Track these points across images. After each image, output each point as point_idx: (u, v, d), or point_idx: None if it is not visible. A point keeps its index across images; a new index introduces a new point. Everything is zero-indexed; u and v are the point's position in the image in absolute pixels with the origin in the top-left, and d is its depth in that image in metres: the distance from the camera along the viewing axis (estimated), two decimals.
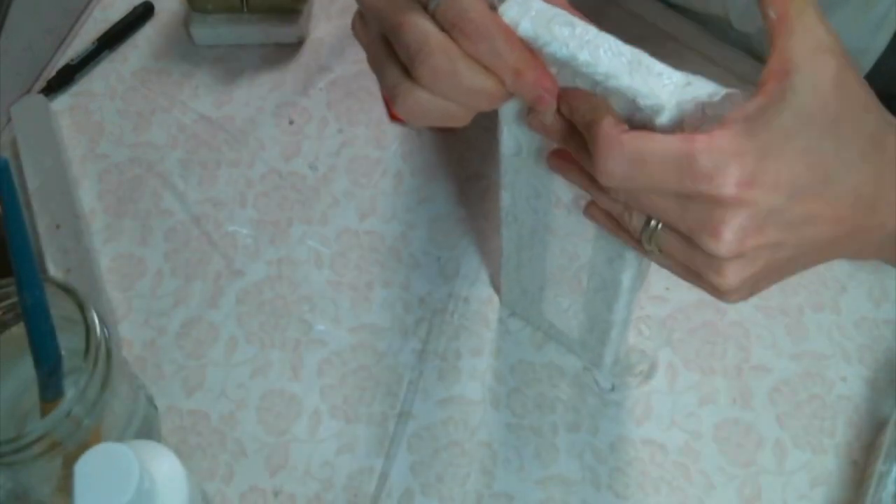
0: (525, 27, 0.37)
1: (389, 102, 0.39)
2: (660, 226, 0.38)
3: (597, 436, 0.56)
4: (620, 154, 0.35)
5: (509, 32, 0.36)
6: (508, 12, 0.37)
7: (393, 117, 0.65)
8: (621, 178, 0.35)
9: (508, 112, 0.42)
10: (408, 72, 0.37)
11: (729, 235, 0.35)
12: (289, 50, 0.73)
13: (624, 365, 0.57)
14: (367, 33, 0.39)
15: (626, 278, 0.46)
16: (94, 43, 0.73)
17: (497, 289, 0.60)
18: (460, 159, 0.66)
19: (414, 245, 0.63)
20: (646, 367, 0.57)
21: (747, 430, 0.55)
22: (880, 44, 0.58)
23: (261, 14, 0.72)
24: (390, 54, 0.38)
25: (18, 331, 0.49)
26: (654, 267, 0.59)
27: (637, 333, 0.58)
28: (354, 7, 0.40)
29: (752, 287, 0.38)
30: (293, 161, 0.67)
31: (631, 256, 0.44)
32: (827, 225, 0.37)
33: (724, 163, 0.34)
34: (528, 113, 0.40)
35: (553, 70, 0.38)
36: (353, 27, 0.40)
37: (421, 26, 0.36)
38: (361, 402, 0.58)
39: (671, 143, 0.35)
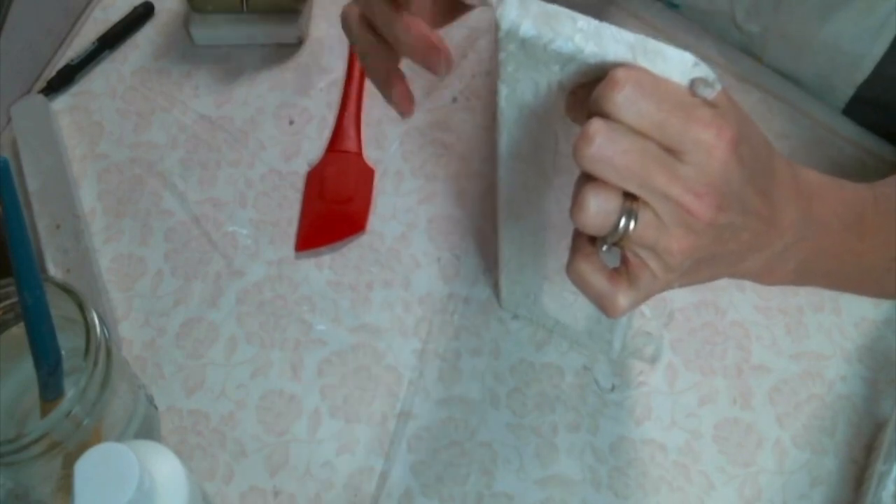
0: (526, 28, 0.36)
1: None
2: (632, 224, 0.37)
3: (597, 436, 0.56)
4: (637, 82, 0.35)
5: None
6: (508, 15, 0.37)
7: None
8: (632, 105, 0.35)
9: (508, 114, 0.42)
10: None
11: (713, 200, 0.36)
12: (289, 50, 0.73)
13: (630, 349, 0.57)
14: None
15: None
16: (94, 43, 0.73)
17: (497, 292, 0.60)
18: (460, 159, 0.66)
19: (414, 245, 0.63)
20: (652, 350, 0.57)
21: (747, 430, 0.55)
22: (879, 50, 0.58)
23: (261, 14, 0.71)
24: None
25: (18, 331, 0.49)
26: None
27: (639, 315, 0.58)
28: None
29: (686, 273, 0.39)
30: (293, 161, 0.67)
31: None
32: (763, 224, 0.39)
33: (722, 116, 0.35)
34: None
35: (556, 68, 0.37)
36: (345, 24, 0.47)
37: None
38: (361, 402, 0.58)
39: (678, 86, 0.36)
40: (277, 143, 0.68)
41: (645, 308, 0.59)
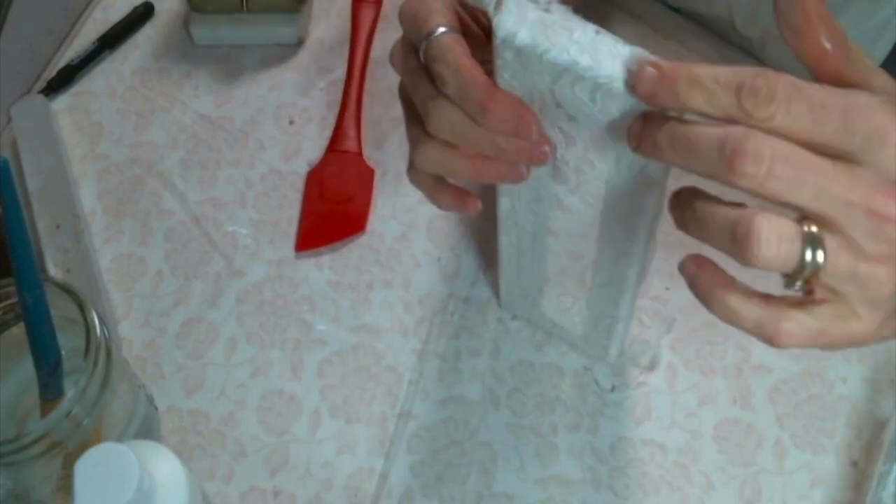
0: (522, 36, 0.36)
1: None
2: (820, 253, 0.31)
3: (597, 436, 0.56)
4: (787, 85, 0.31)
5: (474, 70, 0.38)
6: (505, 23, 0.37)
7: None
8: (786, 111, 0.31)
9: None
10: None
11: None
12: (289, 50, 0.73)
13: (628, 356, 0.57)
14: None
15: (633, 272, 0.46)
16: (94, 43, 0.73)
17: (497, 292, 0.60)
18: None
19: (414, 245, 0.63)
20: (649, 358, 0.57)
21: (747, 430, 0.55)
22: (882, 51, 0.58)
23: (261, 14, 0.71)
24: (416, 113, 0.41)
25: (18, 331, 0.49)
26: (654, 267, 0.59)
27: (638, 324, 0.58)
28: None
29: (893, 306, 0.32)
30: (293, 161, 0.67)
31: (637, 252, 0.44)
32: None
33: (883, 100, 0.31)
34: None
35: (547, 80, 0.37)
36: (392, 58, 0.43)
37: (424, 90, 0.40)
38: (361, 402, 0.58)
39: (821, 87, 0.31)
40: (277, 143, 0.68)
41: (644, 315, 0.59)
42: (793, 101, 0.30)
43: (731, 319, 0.33)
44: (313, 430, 0.57)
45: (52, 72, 0.72)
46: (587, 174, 0.42)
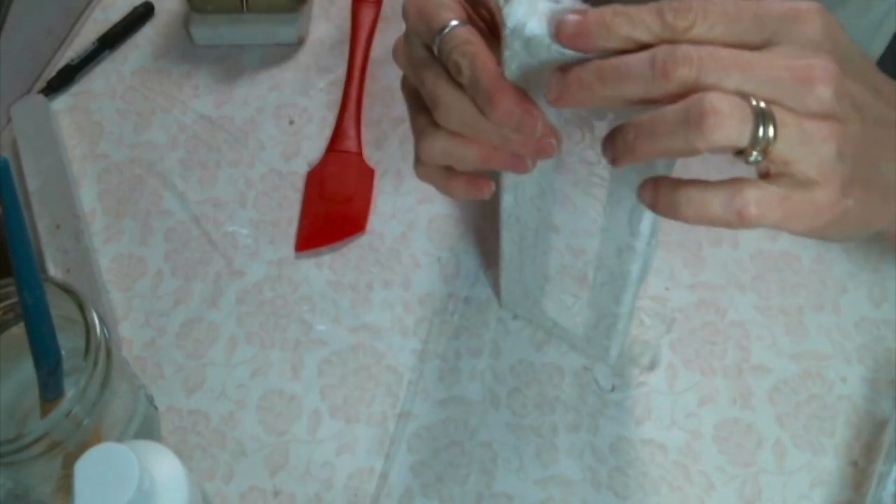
0: (531, 27, 0.36)
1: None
2: (771, 128, 0.33)
3: (597, 436, 0.56)
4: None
5: (489, 62, 0.38)
6: (514, 13, 0.37)
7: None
8: (703, 21, 0.34)
9: None
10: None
11: (827, 57, 0.33)
12: (289, 50, 0.73)
13: (628, 356, 0.57)
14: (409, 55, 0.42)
15: (635, 269, 0.46)
16: (94, 43, 0.73)
17: (497, 292, 0.60)
18: None
19: (414, 245, 0.63)
20: (649, 358, 0.57)
21: (747, 430, 0.55)
22: (878, 48, 0.58)
23: (261, 14, 0.72)
24: (422, 105, 0.42)
25: (18, 331, 0.49)
26: (653, 267, 0.59)
27: (639, 324, 0.58)
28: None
29: (851, 183, 0.34)
30: (293, 161, 0.67)
31: (640, 246, 0.44)
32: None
33: None
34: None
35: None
36: (395, 53, 0.43)
37: (434, 80, 0.40)
38: (361, 402, 0.58)
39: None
40: (277, 143, 0.68)
41: (644, 316, 0.59)
42: (708, 10, 0.33)
43: (699, 211, 0.34)
44: (313, 430, 0.57)
45: (52, 72, 0.72)
46: (593, 166, 0.42)
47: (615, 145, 0.35)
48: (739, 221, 0.34)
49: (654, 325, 0.58)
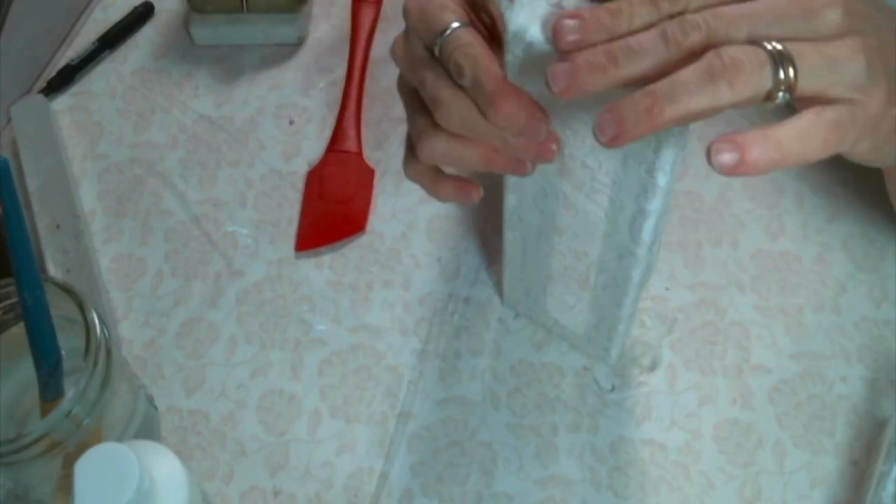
0: (533, 31, 0.36)
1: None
2: (790, 67, 0.33)
3: (597, 436, 0.56)
4: None
5: (492, 64, 0.38)
6: (516, 17, 0.37)
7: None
8: None
9: None
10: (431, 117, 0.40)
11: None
12: (289, 50, 0.73)
13: (629, 357, 0.57)
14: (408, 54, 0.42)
15: (637, 273, 0.46)
16: (94, 43, 0.73)
17: (499, 289, 0.60)
18: None
19: (414, 245, 0.63)
20: (649, 359, 0.57)
21: (747, 430, 0.55)
22: None
23: (261, 14, 0.72)
24: (421, 105, 0.41)
25: (18, 331, 0.49)
26: (654, 268, 0.59)
27: (639, 325, 0.58)
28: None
29: (884, 79, 0.35)
30: (293, 161, 0.67)
31: (641, 252, 0.44)
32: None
33: None
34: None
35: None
36: (394, 52, 0.43)
37: (435, 81, 0.40)
38: (361, 402, 0.58)
39: None
40: (277, 143, 0.68)
41: (646, 317, 0.59)
42: None
43: (786, 153, 0.34)
44: (313, 430, 0.57)
45: (52, 72, 0.72)
46: (594, 172, 0.42)
47: (622, 119, 0.33)
48: (823, 151, 0.34)
49: (654, 327, 0.58)
